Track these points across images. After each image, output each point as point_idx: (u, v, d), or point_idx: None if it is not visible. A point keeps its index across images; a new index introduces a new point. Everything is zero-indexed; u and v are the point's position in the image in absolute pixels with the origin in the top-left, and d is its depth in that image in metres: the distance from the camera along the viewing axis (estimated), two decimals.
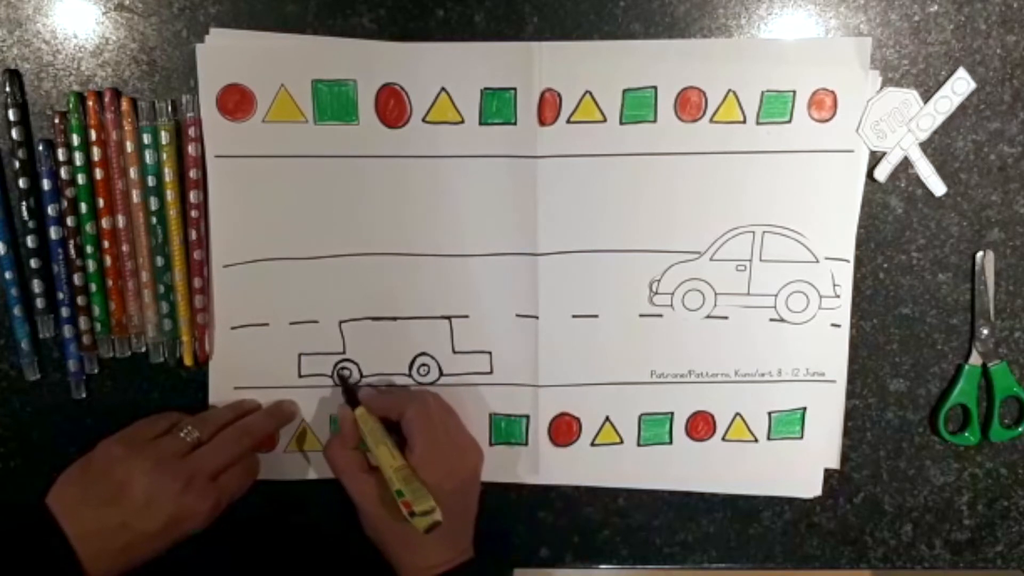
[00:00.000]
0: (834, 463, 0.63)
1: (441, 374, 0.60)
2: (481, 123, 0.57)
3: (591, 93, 0.56)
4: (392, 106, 0.56)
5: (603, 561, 0.64)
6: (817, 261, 0.59)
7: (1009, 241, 0.60)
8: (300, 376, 0.60)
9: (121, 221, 0.56)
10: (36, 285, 0.57)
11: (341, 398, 0.58)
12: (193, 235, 0.57)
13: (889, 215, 0.60)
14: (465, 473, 0.56)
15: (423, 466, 0.53)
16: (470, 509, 0.57)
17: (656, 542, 0.64)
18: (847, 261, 0.60)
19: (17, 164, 0.55)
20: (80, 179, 0.55)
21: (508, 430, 0.61)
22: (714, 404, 0.61)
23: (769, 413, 0.62)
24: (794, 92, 0.57)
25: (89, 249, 0.56)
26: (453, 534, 0.55)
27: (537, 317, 0.59)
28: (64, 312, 0.57)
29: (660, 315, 0.60)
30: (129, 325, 0.58)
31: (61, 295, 0.57)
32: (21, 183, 0.55)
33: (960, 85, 0.58)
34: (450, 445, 0.56)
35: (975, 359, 0.61)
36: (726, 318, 0.60)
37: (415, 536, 0.51)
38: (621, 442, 0.62)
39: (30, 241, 0.56)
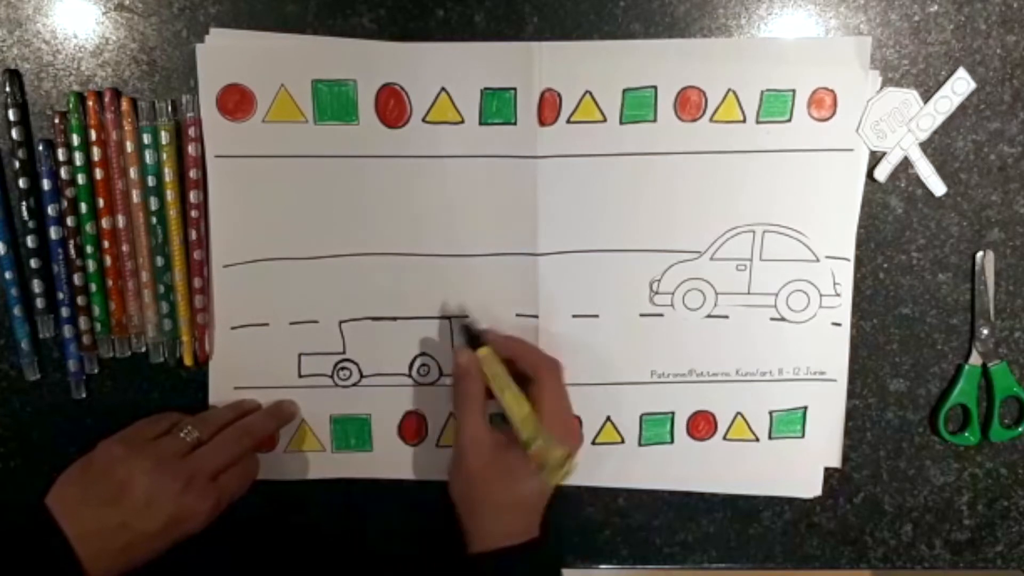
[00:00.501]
0: (835, 462, 0.63)
1: (441, 374, 0.60)
2: (481, 123, 0.57)
3: (591, 93, 0.56)
4: (392, 106, 0.56)
5: (603, 561, 0.64)
6: (817, 260, 0.59)
7: (1009, 241, 0.60)
8: (300, 376, 0.60)
9: (121, 221, 0.56)
10: (36, 285, 0.57)
11: (458, 348, 0.56)
12: (193, 235, 0.57)
13: (889, 215, 0.60)
14: (573, 450, 0.54)
15: (550, 429, 0.51)
16: (552, 490, 0.55)
17: (656, 542, 0.64)
18: (847, 260, 0.60)
19: (17, 164, 0.55)
20: (80, 179, 0.55)
21: None
22: (715, 404, 0.61)
23: (770, 412, 0.62)
24: (794, 92, 0.57)
25: (89, 249, 0.56)
26: (534, 509, 0.54)
27: (537, 317, 0.59)
28: (64, 312, 0.57)
29: (661, 315, 0.60)
30: (129, 325, 0.58)
31: (61, 295, 0.57)
32: (21, 183, 0.55)
33: (960, 85, 0.58)
34: (570, 417, 0.55)
35: (975, 359, 0.61)
36: (727, 317, 0.60)
37: (506, 503, 0.51)
38: (622, 442, 0.62)
39: (30, 241, 0.56)
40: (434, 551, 0.61)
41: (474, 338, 0.56)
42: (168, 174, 0.56)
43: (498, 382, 0.53)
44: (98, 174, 0.55)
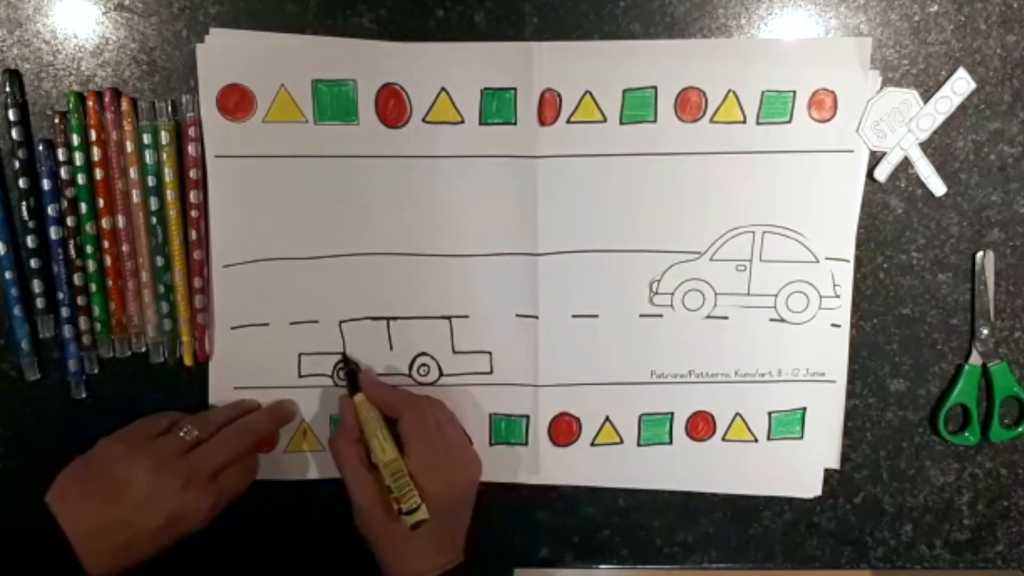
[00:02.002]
0: (834, 463, 0.63)
1: (441, 374, 0.60)
2: (481, 123, 0.57)
3: (591, 93, 0.56)
4: (392, 106, 0.56)
5: (603, 561, 0.64)
6: (817, 261, 0.59)
7: (1009, 241, 0.60)
8: (300, 376, 0.60)
9: (121, 221, 0.56)
10: (36, 285, 0.57)
11: (341, 396, 0.58)
12: (193, 235, 0.57)
13: (889, 215, 0.60)
14: (461, 484, 0.56)
15: (418, 471, 0.52)
16: (464, 517, 0.56)
17: (656, 542, 0.64)
18: (847, 261, 0.60)
19: (17, 164, 0.55)
20: (80, 179, 0.55)
21: (508, 430, 0.61)
22: (714, 404, 0.61)
23: (769, 413, 0.62)
24: (794, 92, 0.57)
25: (89, 249, 0.56)
26: (443, 540, 0.54)
27: (537, 317, 0.59)
28: (64, 312, 0.57)
29: (660, 315, 0.60)
30: (129, 325, 0.58)
31: (61, 295, 0.57)
32: (21, 183, 0.55)
33: (960, 85, 0.58)
34: (447, 454, 0.55)
35: (975, 359, 0.61)
36: (726, 318, 0.60)
37: (405, 538, 0.51)
38: (621, 442, 0.62)
39: (30, 241, 0.56)
40: None
41: (353, 382, 0.58)
42: (168, 174, 0.56)
43: (367, 428, 0.55)
44: (98, 174, 0.55)
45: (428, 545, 0.53)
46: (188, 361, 0.59)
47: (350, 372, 0.58)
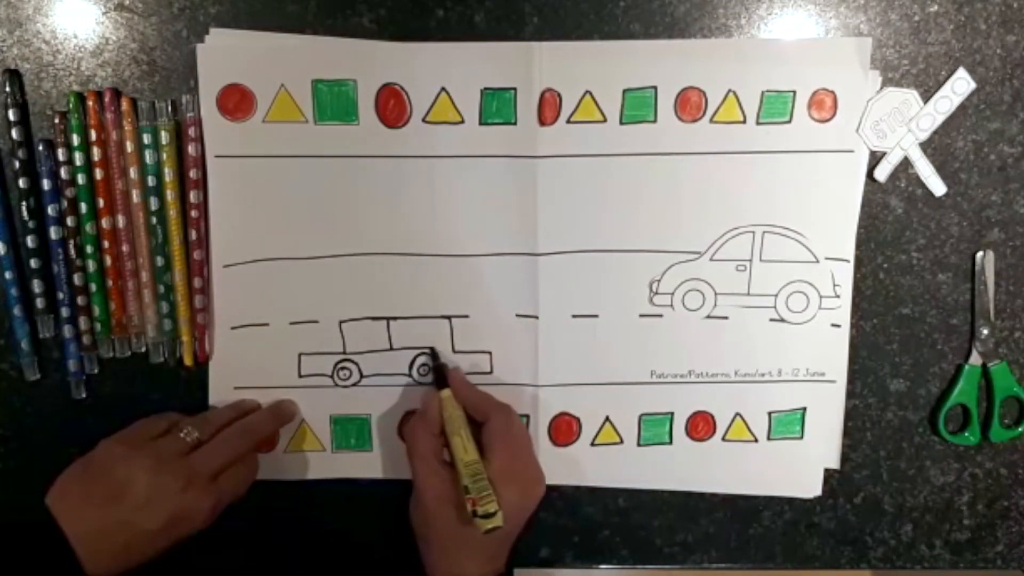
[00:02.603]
0: (834, 463, 0.63)
1: None
2: (481, 123, 0.57)
3: (591, 93, 0.56)
4: (392, 106, 0.56)
5: (603, 561, 0.64)
6: (817, 261, 0.59)
7: (1009, 241, 0.60)
8: (300, 376, 0.60)
9: (121, 221, 0.56)
10: (36, 285, 0.57)
11: (426, 390, 0.57)
12: (193, 235, 0.57)
13: (889, 215, 0.60)
14: (532, 497, 0.54)
15: (497, 478, 0.51)
16: (517, 531, 0.55)
17: (656, 542, 0.64)
18: (847, 261, 0.60)
19: (17, 164, 0.55)
20: (80, 179, 0.55)
21: None
22: (714, 404, 0.61)
23: (769, 413, 0.62)
24: (794, 92, 0.57)
25: (89, 249, 0.56)
26: (494, 549, 0.54)
27: (537, 317, 0.59)
28: (64, 312, 0.57)
29: (660, 315, 0.60)
30: (129, 325, 0.58)
31: (61, 295, 0.57)
32: (21, 183, 0.55)
33: (960, 85, 0.58)
34: (524, 465, 0.55)
35: (975, 359, 0.61)
36: (726, 318, 0.60)
37: (462, 540, 0.51)
38: (621, 442, 0.62)
39: (30, 241, 0.56)
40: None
41: (441, 377, 0.57)
42: (168, 174, 0.56)
43: (451, 425, 0.54)
44: (98, 174, 0.55)
45: (482, 551, 0.52)
46: (188, 361, 0.59)
47: (438, 367, 0.58)
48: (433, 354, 0.59)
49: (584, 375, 0.60)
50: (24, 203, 0.56)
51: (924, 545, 0.65)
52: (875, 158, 0.59)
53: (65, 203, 0.55)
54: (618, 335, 0.60)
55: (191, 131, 0.56)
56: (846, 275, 0.60)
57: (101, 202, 0.56)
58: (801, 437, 0.62)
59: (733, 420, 0.62)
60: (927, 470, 0.63)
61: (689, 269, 0.59)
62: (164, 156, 0.55)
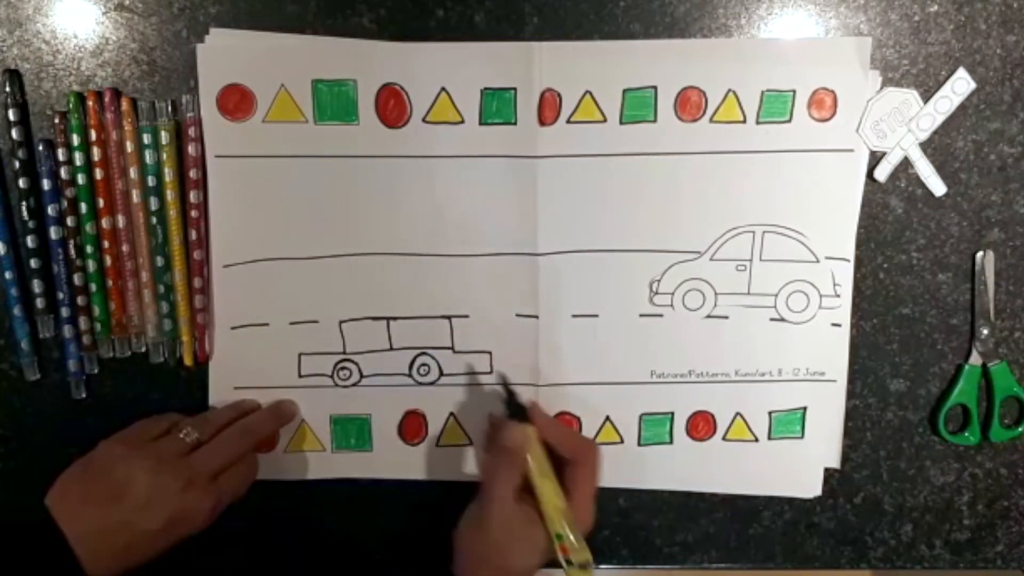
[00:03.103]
0: (834, 463, 0.63)
1: (441, 374, 0.60)
2: (481, 123, 0.57)
3: (591, 93, 0.56)
4: (392, 106, 0.56)
5: (603, 561, 0.64)
6: (817, 261, 0.59)
7: (1009, 241, 0.60)
8: (300, 376, 0.60)
9: (121, 221, 0.56)
10: (36, 285, 0.57)
11: (511, 423, 0.53)
12: (193, 235, 0.57)
13: (889, 215, 0.60)
14: (586, 533, 0.52)
15: (577, 521, 0.50)
16: None
17: (656, 542, 0.64)
18: (847, 261, 0.60)
19: (17, 164, 0.55)
20: (80, 179, 0.55)
21: None
22: (714, 404, 0.61)
23: (769, 413, 0.62)
24: (794, 92, 0.57)
25: (89, 249, 0.56)
26: None
27: (537, 317, 0.59)
28: (64, 312, 0.57)
29: (660, 315, 0.60)
30: (129, 325, 0.58)
31: (61, 295, 0.57)
32: (21, 183, 0.55)
33: (960, 85, 0.58)
34: (593, 505, 0.52)
35: (975, 359, 0.61)
36: (726, 318, 0.60)
37: (517, 570, 0.50)
38: (621, 442, 0.62)
39: (30, 241, 0.56)
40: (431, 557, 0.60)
41: (516, 407, 0.54)
42: (168, 174, 0.56)
43: (540, 467, 0.51)
44: (98, 174, 0.55)
45: None
46: (188, 361, 0.59)
47: (517, 404, 0.54)
48: (506, 385, 0.56)
49: (584, 375, 0.60)
50: (24, 203, 0.56)
51: (924, 545, 0.65)
52: (875, 158, 0.59)
53: (65, 203, 0.55)
54: (618, 335, 0.60)
55: (191, 131, 0.56)
56: (846, 275, 0.60)
57: (101, 202, 0.56)
58: (801, 437, 0.62)
59: (733, 420, 0.62)
60: (927, 470, 0.63)
61: (689, 269, 0.59)
62: (164, 156, 0.55)
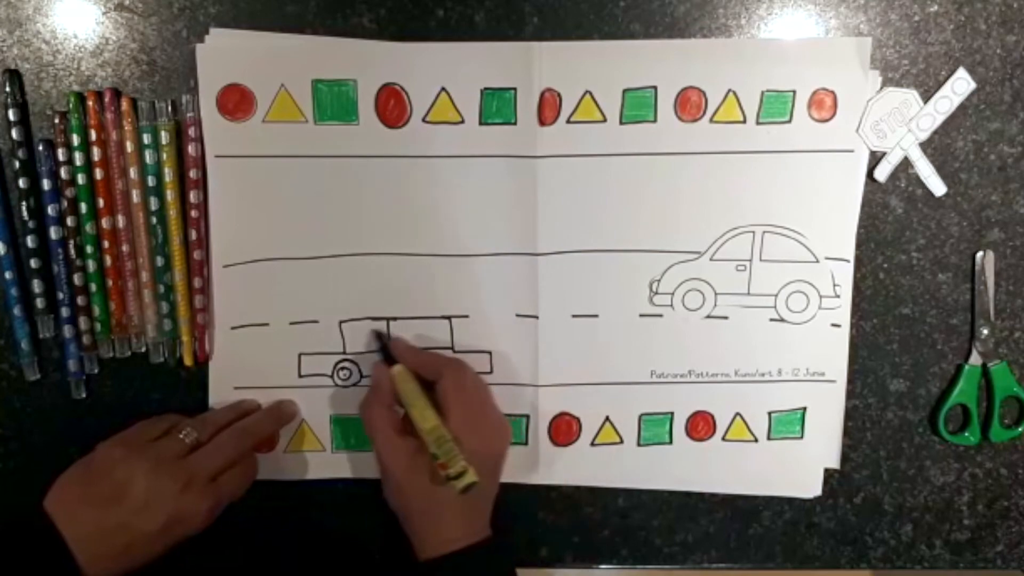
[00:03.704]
0: (834, 463, 0.63)
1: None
2: (481, 123, 0.57)
3: (591, 93, 0.56)
4: (392, 106, 0.56)
5: (603, 561, 0.64)
6: (817, 261, 0.59)
7: (1009, 241, 0.60)
8: (300, 376, 0.60)
9: (121, 221, 0.56)
10: (36, 285, 0.57)
11: (375, 363, 0.57)
12: (193, 235, 0.57)
13: (889, 215, 0.60)
14: (496, 447, 0.55)
15: (459, 432, 0.52)
16: (492, 488, 0.56)
17: (656, 542, 0.64)
18: (847, 261, 0.60)
19: (17, 164, 0.55)
20: (80, 179, 0.55)
21: None
22: (714, 404, 0.61)
23: (769, 413, 0.62)
24: (794, 92, 0.57)
25: (89, 249, 0.56)
26: (475, 510, 0.54)
27: (537, 317, 0.59)
28: (64, 312, 0.57)
29: (660, 315, 0.60)
30: (129, 325, 0.58)
31: (61, 295, 0.57)
32: (21, 183, 0.55)
33: (960, 85, 0.58)
34: (484, 416, 0.55)
35: (975, 359, 0.61)
36: (726, 318, 0.60)
37: (439, 506, 0.51)
38: (621, 442, 0.62)
39: (30, 241, 0.56)
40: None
41: (388, 354, 0.57)
42: (168, 174, 0.56)
43: (406, 398, 0.54)
44: (98, 174, 0.55)
45: (462, 514, 0.53)
46: (188, 361, 0.59)
47: (384, 347, 0.58)
48: (377, 334, 0.59)
49: (584, 375, 0.60)
50: (24, 203, 0.56)
51: (924, 545, 0.65)
52: (875, 158, 0.59)
53: (65, 203, 0.55)
54: (618, 335, 0.60)
55: (191, 131, 0.56)
56: (846, 275, 0.60)
57: (101, 202, 0.56)
58: (801, 437, 0.62)
59: (733, 420, 0.62)
60: (927, 470, 0.63)
61: (689, 269, 0.59)
62: (164, 156, 0.55)
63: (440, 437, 0.51)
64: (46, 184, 0.55)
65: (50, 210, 0.56)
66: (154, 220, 0.56)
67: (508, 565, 0.55)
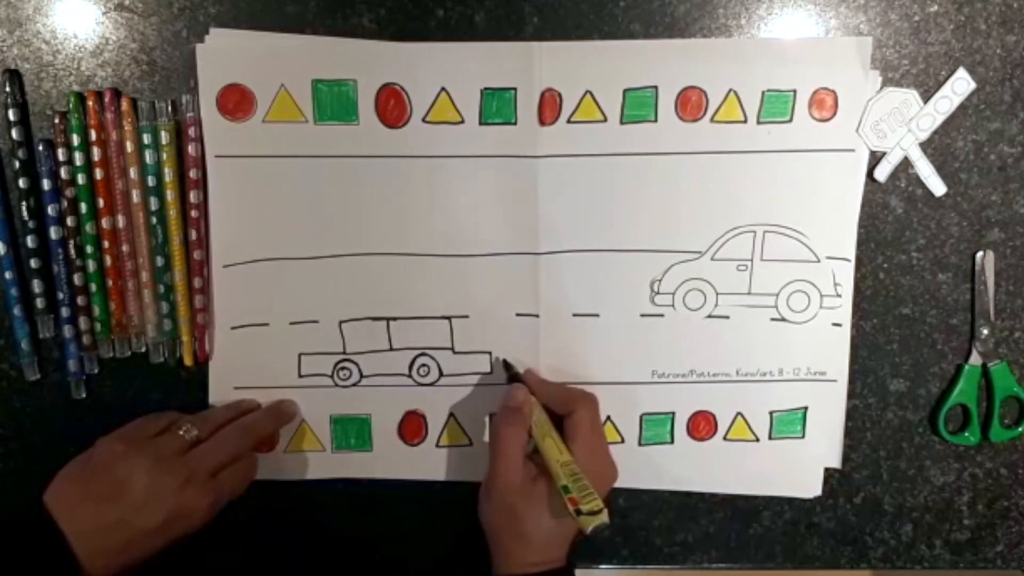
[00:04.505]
0: (835, 462, 0.63)
1: (441, 374, 0.60)
2: (481, 123, 0.57)
3: (591, 93, 0.56)
4: (392, 106, 0.56)
5: (603, 561, 0.64)
6: (818, 260, 0.59)
7: (1009, 241, 0.60)
8: (300, 376, 0.60)
9: (121, 221, 0.56)
10: (36, 285, 0.56)
11: (514, 386, 0.57)
12: (193, 235, 0.57)
13: (889, 215, 0.60)
14: (607, 487, 0.55)
15: (586, 470, 0.51)
16: None
17: (656, 542, 0.64)
18: (848, 260, 0.60)
19: (17, 164, 0.55)
20: (80, 179, 0.55)
21: None
22: (715, 404, 0.61)
23: (770, 413, 0.62)
24: (795, 92, 0.57)
25: (89, 249, 0.56)
26: (565, 539, 0.54)
27: (538, 316, 0.59)
28: (64, 312, 0.57)
29: (661, 315, 0.60)
30: (129, 325, 0.58)
31: (61, 295, 0.57)
32: (21, 183, 0.55)
33: (960, 85, 0.58)
34: (605, 455, 0.56)
35: (975, 359, 0.61)
36: (727, 318, 0.60)
37: (541, 533, 0.51)
38: (622, 442, 0.62)
39: (30, 241, 0.56)
40: (447, 557, 0.61)
41: (513, 378, 0.58)
42: (168, 174, 0.56)
43: (540, 428, 0.54)
44: (98, 174, 0.55)
45: (552, 542, 0.53)
46: (188, 361, 0.59)
47: (514, 375, 0.58)
48: (506, 364, 0.59)
49: (585, 375, 0.60)
50: (24, 203, 0.56)
51: (924, 545, 0.65)
52: (875, 158, 0.59)
53: (65, 203, 0.55)
54: (619, 335, 0.60)
55: (191, 131, 0.56)
56: (847, 274, 0.60)
57: (101, 202, 0.56)
58: (802, 436, 0.62)
59: (734, 420, 0.62)
60: (927, 470, 0.63)
61: (690, 269, 0.59)
62: (164, 156, 0.55)
63: (575, 473, 0.51)
64: (46, 184, 0.55)
65: (50, 210, 0.55)
66: (154, 220, 0.56)
67: None
